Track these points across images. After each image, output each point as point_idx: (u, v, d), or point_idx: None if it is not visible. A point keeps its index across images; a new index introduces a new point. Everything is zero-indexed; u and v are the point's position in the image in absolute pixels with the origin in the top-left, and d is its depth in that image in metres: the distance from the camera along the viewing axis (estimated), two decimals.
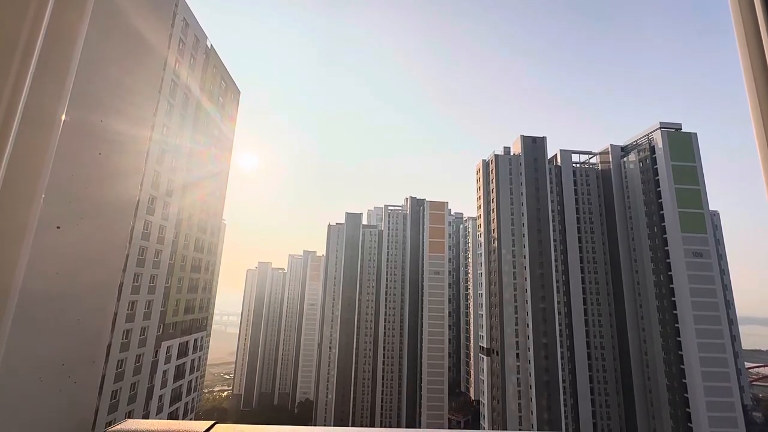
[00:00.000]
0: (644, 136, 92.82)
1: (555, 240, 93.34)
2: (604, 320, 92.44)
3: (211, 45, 58.42)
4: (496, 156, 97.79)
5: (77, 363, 1.32)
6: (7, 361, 1.04)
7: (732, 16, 1.38)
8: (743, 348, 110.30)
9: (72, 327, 1.30)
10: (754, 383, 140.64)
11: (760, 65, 1.28)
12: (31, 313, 1.16)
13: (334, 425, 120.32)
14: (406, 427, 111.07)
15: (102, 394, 37.53)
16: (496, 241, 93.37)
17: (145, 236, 43.39)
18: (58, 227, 1.25)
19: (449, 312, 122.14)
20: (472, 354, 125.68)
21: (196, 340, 58.07)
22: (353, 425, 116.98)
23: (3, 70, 0.98)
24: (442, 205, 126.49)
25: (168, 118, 47.07)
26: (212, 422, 1.50)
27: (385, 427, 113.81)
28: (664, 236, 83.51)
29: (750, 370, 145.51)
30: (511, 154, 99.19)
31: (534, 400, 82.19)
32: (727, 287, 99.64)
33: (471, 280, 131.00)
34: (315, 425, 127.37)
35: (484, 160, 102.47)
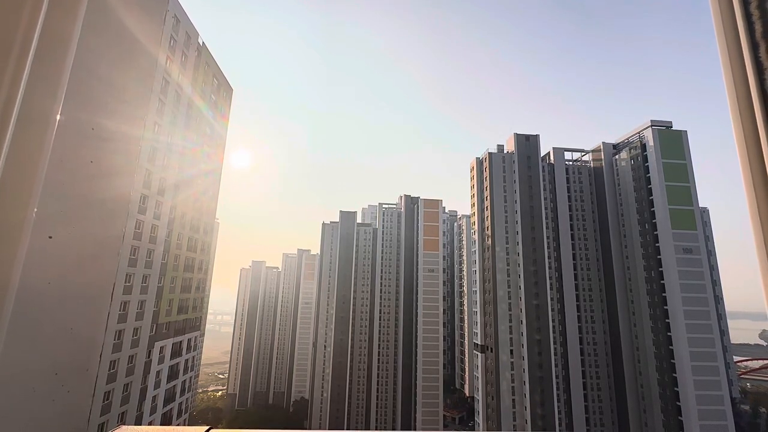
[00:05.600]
0: (635, 134, 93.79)
1: (548, 237, 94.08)
2: (597, 316, 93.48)
3: (203, 42, 57.75)
4: (490, 154, 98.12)
5: (70, 371, 1.29)
6: None
7: (712, 16, 1.42)
8: (732, 342, 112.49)
9: (65, 335, 1.27)
10: (742, 376, 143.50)
11: (738, 68, 1.32)
12: (23, 323, 1.14)
13: (329, 423, 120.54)
14: (402, 428, 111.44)
15: (94, 395, 37.14)
16: (489, 239, 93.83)
17: (137, 235, 42.87)
18: (50, 237, 1.22)
19: (444, 309, 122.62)
20: (466, 351, 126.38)
21: (189, 340, 57.61)
22: (349, 423, 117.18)
23: None
24: (436, 203, 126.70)
25: (159, 116, 46.49)
26: (207, 427, 1.46)
27: (379, 429, 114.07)
28: (655, 233, 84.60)
29: (738, 364, 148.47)
30: (505, 152, 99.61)
31: (528, 395, 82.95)
32: (716, 283, 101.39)
33: (465, 278, 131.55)
34: (310, 424, 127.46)
35: (477, 158, 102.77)
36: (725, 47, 1.36)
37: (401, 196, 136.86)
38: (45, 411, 1.21)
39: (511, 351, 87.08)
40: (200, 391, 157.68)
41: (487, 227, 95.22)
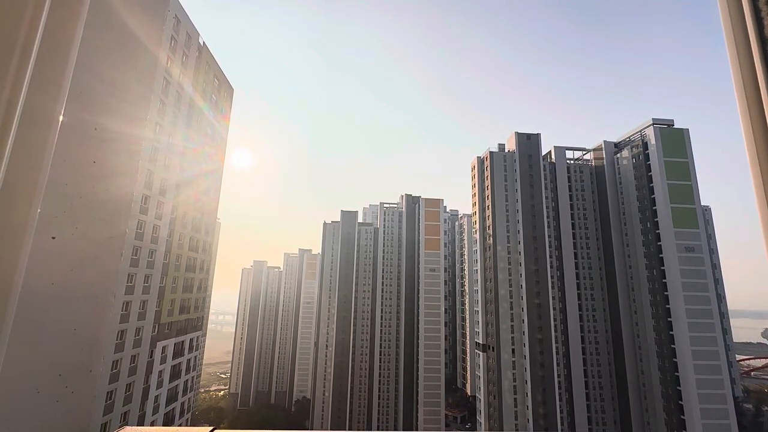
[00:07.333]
0: (637, 132, 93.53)
1: (549, 236, 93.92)
2: (599, 315, 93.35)
3: (204, 42, 57.77)
4: (491, 153, 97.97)
5: (74, 372, 1.30)
6: (4, 373, 1.03)
7: (720, 15, 1.42)
8: (734, 341, 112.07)
9: (68, 336, 1.27)
10: (745, 375, 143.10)
11: (747, 64, 1.31)
12: (27, 324, 1.14)
13: (331, 423, 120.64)
14: (403, 427, 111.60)
15: (97, 395, 37.20)
16: (491, 238, 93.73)
17: (139, 236, 42.95)
18: (53, 238, 1.23)
19: (445, 309, 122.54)
20: (468, 350, 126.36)
21: (191, 340, 57.73)
22: (350, 423, 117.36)
23: (2, 71, 0.98)
24: (437, 203, 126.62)
25: (160, 116, 46.54)
26: (210, 428, 1.47)
27: (381, 428, 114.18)
28: (657, 231, 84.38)
29: (741, 363, 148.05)
30: (506, 150, 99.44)
31: (529, 394, 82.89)
32: (718, 281, 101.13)
33: (466, 277, 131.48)
34: (312, 423, 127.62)
35: (478, 157, 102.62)
36: (733, 44, 1.35)
37: (402, 196, 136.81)
38: (49, 411, 1.22)
39: (513, 350, 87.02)
40: (202, 390, 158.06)
41: (489, 226, 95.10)
